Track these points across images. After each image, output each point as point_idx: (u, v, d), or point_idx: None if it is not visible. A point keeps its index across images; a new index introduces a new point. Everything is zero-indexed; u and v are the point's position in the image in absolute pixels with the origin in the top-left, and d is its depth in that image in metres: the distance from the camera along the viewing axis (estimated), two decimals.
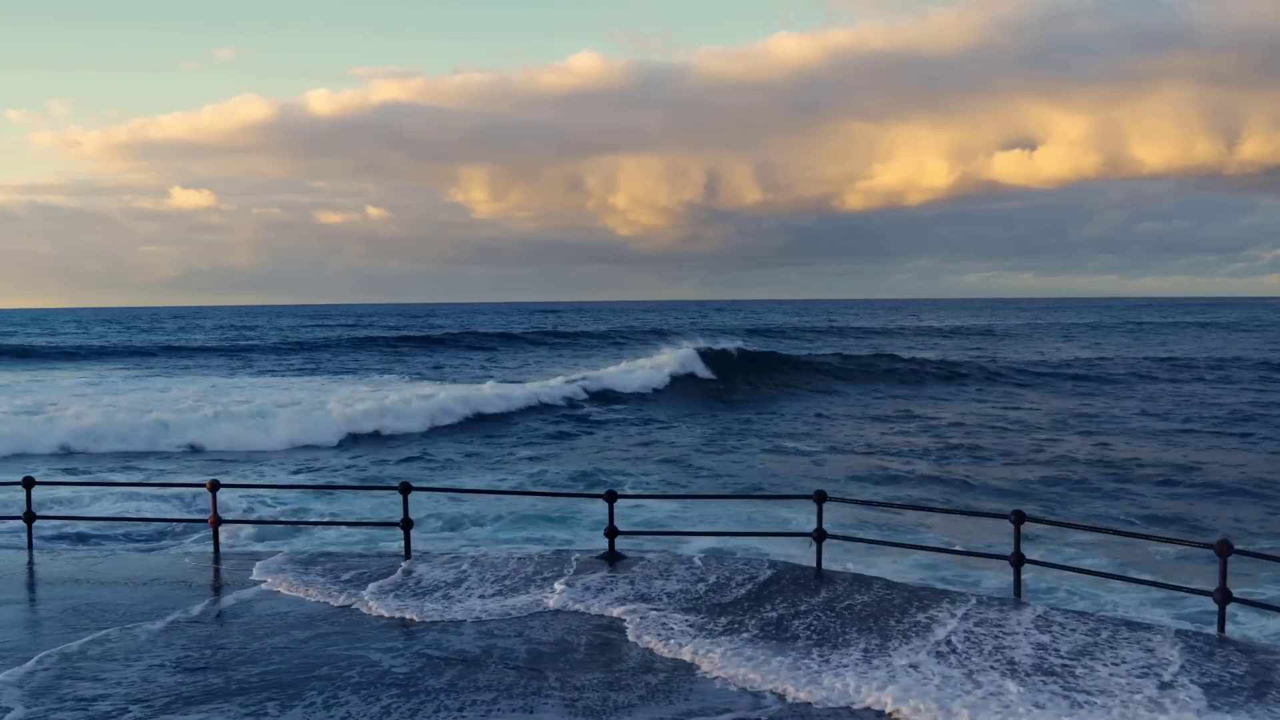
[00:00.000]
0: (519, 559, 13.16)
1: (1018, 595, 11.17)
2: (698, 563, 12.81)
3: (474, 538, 19.00)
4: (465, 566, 12.80)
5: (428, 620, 10.81)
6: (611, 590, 11.66)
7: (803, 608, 10.89)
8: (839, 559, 14.52)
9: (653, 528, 18.10)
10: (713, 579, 12.01)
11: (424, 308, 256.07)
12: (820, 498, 12.36)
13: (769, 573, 12.19)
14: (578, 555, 13.18)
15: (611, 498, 12.84)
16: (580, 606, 11.13)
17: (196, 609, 11.13)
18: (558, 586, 11.74)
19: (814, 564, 12.34)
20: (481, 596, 11.57)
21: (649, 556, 13.09)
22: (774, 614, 10.71)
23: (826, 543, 12.48)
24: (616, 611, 10.91)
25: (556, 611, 11.03)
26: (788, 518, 19.78)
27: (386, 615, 10.96)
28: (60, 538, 17.66)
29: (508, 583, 12.06)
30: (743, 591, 11.55)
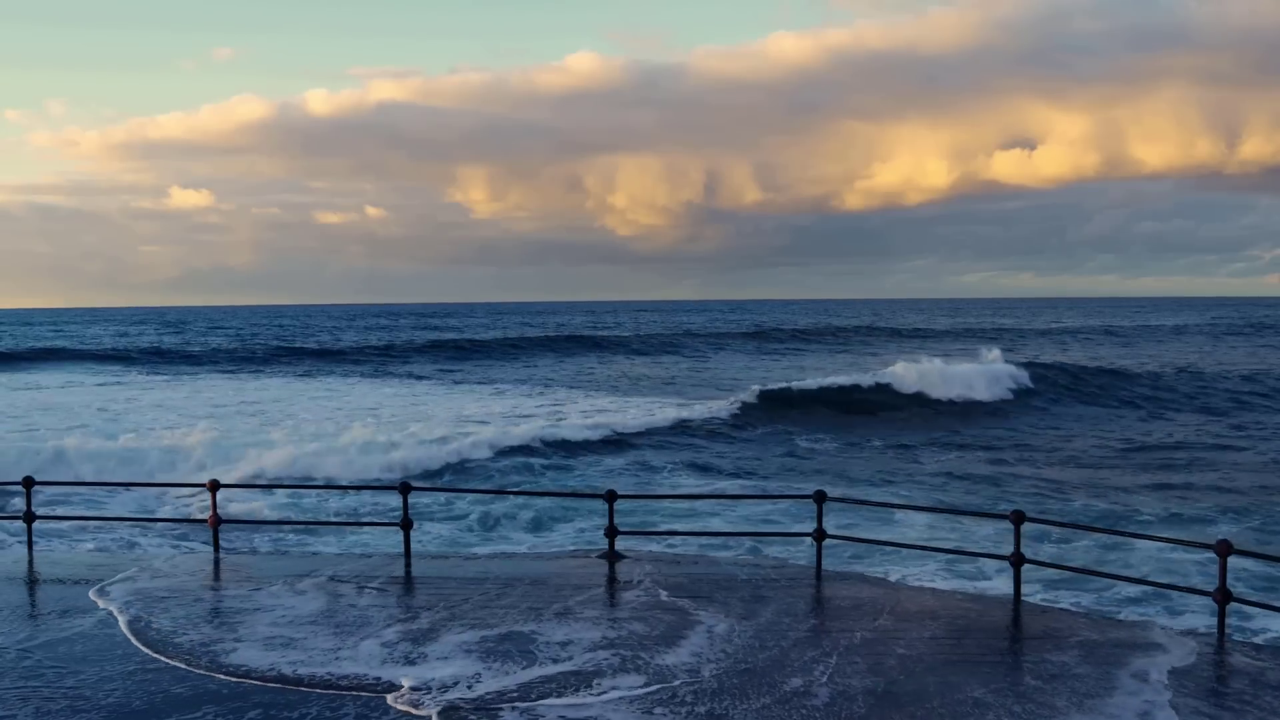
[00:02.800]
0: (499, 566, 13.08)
1: (1016, 594, 11.14)
2: (704, 585, 11.55)
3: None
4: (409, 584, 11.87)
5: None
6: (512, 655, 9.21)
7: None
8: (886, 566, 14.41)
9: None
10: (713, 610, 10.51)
11: (430, 308, 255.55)
12: (820, 498, 12.37)
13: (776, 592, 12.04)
14: (576, 558, 13.18)
15: (611, 497, 12.86)
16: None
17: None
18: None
19: (875, 577, 12.34)
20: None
21: (648, 566, 13.04)
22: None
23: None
24: None
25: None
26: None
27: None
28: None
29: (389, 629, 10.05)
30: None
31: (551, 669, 8.90)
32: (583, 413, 39.09)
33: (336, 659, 9.21)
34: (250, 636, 9.87)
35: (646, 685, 8.47)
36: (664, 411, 38.26)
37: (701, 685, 8.45)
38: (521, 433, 32.22)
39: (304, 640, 9.73)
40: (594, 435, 32.93)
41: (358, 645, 9.55)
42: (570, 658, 9.19)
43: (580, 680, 8.60)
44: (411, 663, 9.09)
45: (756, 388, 42.85)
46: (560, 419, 37.00)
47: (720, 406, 39.50)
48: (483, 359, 73.95)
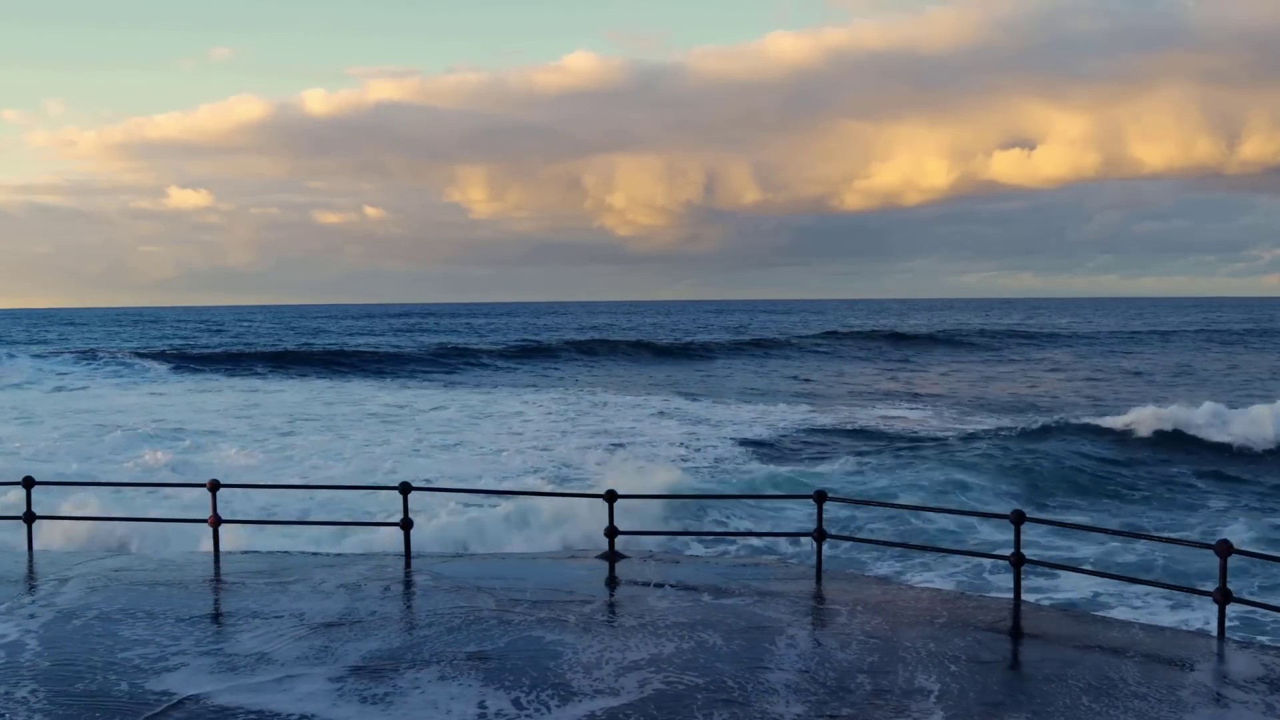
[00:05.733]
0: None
1: (1016, 594, 11.12)
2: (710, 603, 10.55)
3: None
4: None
5: None
6: None
7: None
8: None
9: None
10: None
11: (440, 308, 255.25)
12: (820, 498, 12.36)
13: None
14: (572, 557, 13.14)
15: (612, 498, 12.84)
16: None
17: None
18: None
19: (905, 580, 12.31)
20: None
21: (652, 567, 13.02)
22: None
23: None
24: None
25: None
26: None
27: None
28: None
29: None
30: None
31: (600, 703, 7.51)
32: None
33: (282, 688, 7.96)
34: (191, 651, 9.04)
35: None
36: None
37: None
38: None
39: (264, 657, 8.82)
40: None
41: (322, 667, 8.54)
42: (619, 691, 7.86)
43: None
44: (386, 701, 7.59)
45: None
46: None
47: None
48: (638, 364, 71.97)
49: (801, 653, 9.08)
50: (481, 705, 7.58)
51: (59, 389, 52.73)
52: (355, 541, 17.73)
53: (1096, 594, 15.50)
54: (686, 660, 8.79)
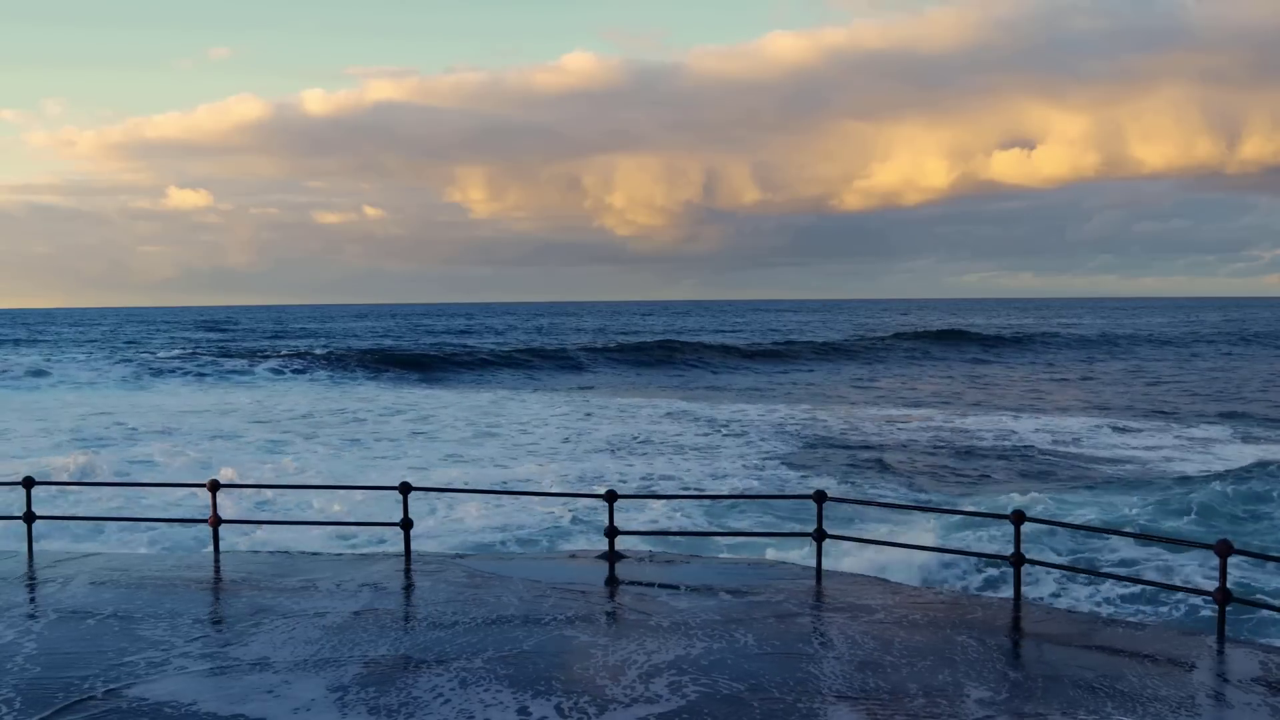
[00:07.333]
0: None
1: (1016, 595, 11.13)
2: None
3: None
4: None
5: None
6: None
7: None
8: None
9: None
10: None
11: (445, 308, 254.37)
12: (820, 498, 12.35)
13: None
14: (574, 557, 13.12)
15: (612, 498, 12.84)
16: None
17: None
18: None
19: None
20: None
21: (651, 568, 13.01)
22: None
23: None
24: None
25: None
26: None
27: None
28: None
29: None
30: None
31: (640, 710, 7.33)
32: None
33: (285, 691, 7.79)
34: (195, 654, 8.96)
35: None
36: None
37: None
38: None
39: (255, 665, 8.61)
40: None
41: (324, 673, 8.38)
42: (656, 698, 7.63)
43: None
44: (402, 713, 7.29)
45: None
46: None
47: None
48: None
49: (839, 654, 9.09)
50: (524, 712, 7.55)
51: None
52: (356, 542, 17.75)
53: (1098, 594, 15.50)
54: (715, 661, 8.79)
